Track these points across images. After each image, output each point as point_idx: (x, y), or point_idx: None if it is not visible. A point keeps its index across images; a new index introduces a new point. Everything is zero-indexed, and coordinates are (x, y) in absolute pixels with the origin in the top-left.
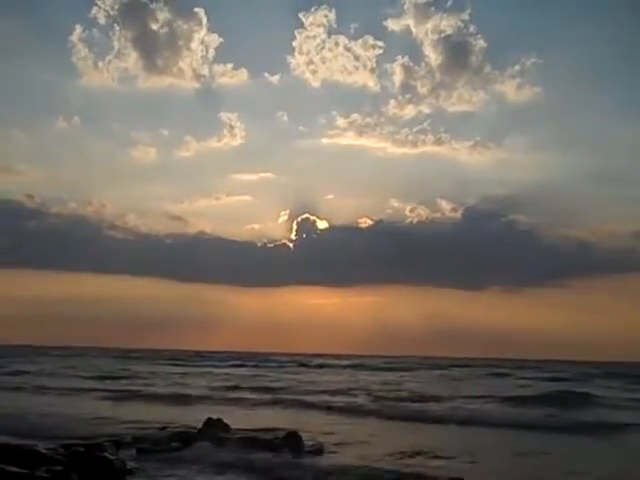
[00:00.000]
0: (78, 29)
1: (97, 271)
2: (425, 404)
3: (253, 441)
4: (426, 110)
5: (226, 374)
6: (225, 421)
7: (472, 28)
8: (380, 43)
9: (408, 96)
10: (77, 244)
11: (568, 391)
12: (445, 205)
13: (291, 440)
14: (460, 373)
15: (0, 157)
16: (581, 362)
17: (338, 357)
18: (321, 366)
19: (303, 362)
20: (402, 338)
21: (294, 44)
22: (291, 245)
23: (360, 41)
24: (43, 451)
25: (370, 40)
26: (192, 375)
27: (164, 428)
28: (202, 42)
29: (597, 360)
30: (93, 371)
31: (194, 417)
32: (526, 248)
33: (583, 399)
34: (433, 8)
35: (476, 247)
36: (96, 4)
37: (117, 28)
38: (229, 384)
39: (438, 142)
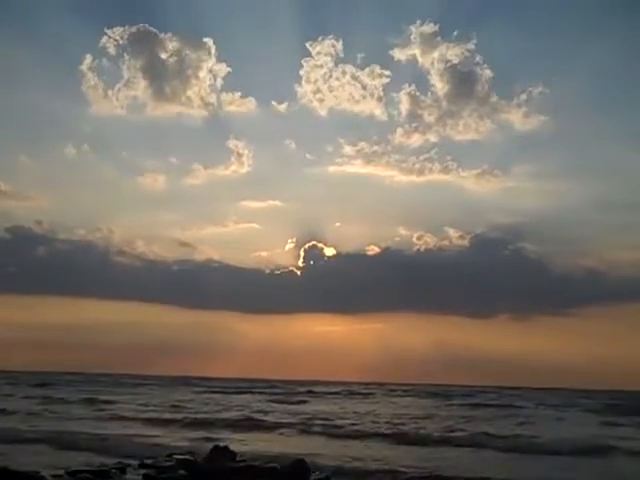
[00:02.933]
0: (88, 58)
1: (104, 297)
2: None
3: (259, 470)
4: (433, 138)
5: (228, 401)
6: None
7: (478, 58)
8: (387, 72)
9: (415, 125)
10: (85, 270)
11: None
12: (452, 233)
13: (297, 469)
14: (483, 402)
15: (10, 183)
16: (592, 390)
17: (345, 384)
18: (327, 393)
19: (310, 389)
20: (410, 366)
21: (301, 73)
22: (298, 272)
23: (367, 70)
24: (49, 478)
25: (377, 69)
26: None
27: (170, 455)
28: (210, 71)
29: (608, 389)
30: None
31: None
32: (534, 276)
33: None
34: (439, 38)
35: (484, 275)
36: (106, 34)
37: (127, 57)
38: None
39: (445, 170)
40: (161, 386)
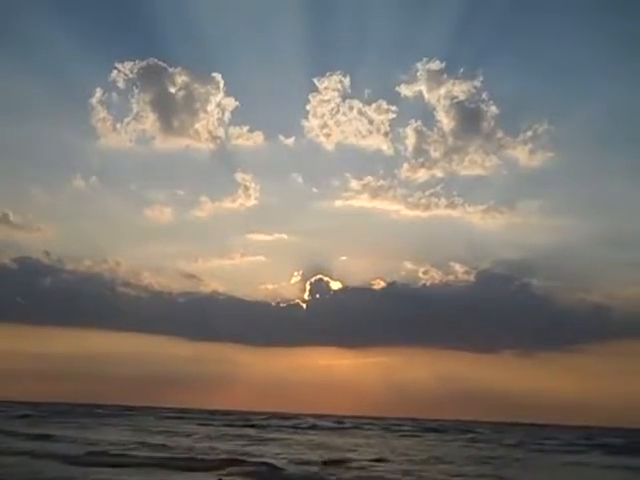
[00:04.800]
0: (98, 92)
1: (110, 328)
2: None
3: None
4: (439, 174)
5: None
6: None
7: (484, 94)
8: (393, 108)
9: (421, 160)
10: (91, 301)
11: None
12: (458, 268)
13: None
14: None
15: (19, 214)
16: (597, 427)
17: (349, 418)
18: (332, 428)
19: (314, 423)
20: (415, 400)
21: (308, 108)
22: (304, 305)
23: (374, 105)
24: None
25: (384, 105)
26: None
27: None
28: (219, 105)
29: (613, 426)
30: None
31: None
32: (540, 312)
33: None
34: (445, 75)
35: (489, 310)
36: (116, 68)
37: (136, 91)
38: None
39: (451, 205)
40: (157, 418)
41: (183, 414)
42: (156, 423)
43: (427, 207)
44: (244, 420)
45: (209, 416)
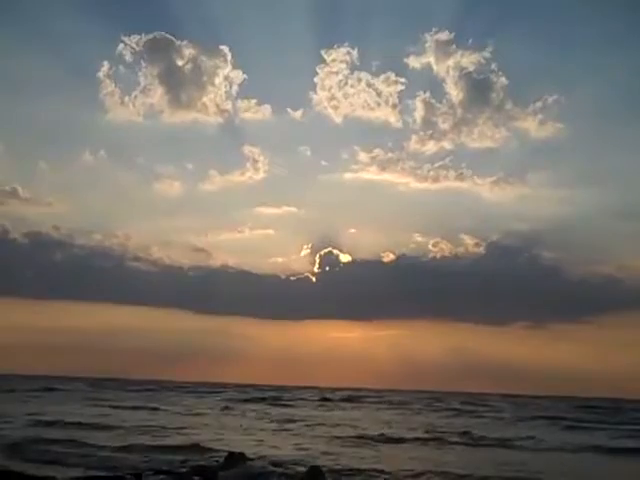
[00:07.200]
0: (105, 66)
1: (120, 302)
2: None
3: (275, 476)
4: (448, 146)
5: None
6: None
7: (493, 65)
8: (402, 79)
9: (430, 132)
10: (102, 275)
11: None
12: (468, 240)
13: (313, 475)
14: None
15: (29, 189)
16: (609, 399)
17: (360, 391)
18: (344, 400)
19: (326, 396)
20: (424, 373)
21: (316, 80)
22: (314, 278)
23: (382, 77)
24: None
25: (392, 76)
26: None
27: (185, 461)
28: (226, 78)
29: (625, 397)
30: None
31: None
32: (550, 283)
33: None
34: (454, 46)
35: (499, 282)
36: (122, 41)
37: (143, 64)
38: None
39: (460, 178)
40: (150, 391)
41: (185, 387)
42: (146, 397)
43: (436, 179)
44: (244, 393)
45: (212, 389)
